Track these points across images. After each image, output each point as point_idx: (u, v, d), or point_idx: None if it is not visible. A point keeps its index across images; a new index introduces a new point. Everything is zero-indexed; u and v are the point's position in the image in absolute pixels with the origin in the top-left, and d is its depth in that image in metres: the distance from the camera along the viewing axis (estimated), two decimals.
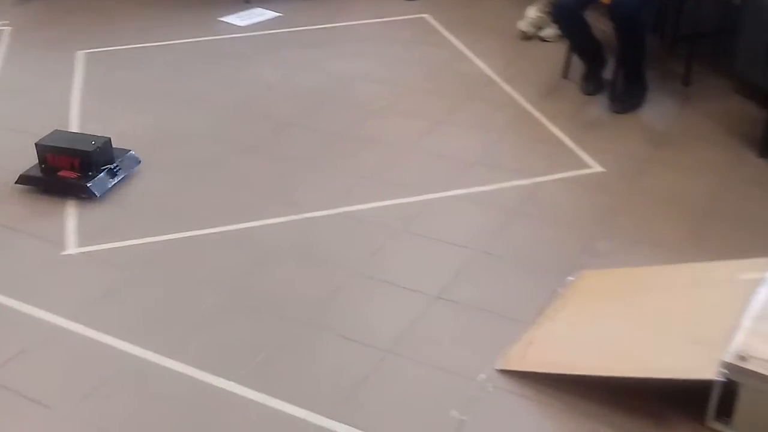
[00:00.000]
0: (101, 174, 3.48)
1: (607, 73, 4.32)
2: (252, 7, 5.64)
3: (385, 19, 5.45)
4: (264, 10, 5.62)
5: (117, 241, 3.19)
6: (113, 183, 3.52)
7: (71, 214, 3.37)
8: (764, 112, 3.76)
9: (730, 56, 3.99)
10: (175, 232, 3.25)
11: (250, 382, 2.49)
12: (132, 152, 3.67)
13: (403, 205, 3.40)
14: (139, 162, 3.67)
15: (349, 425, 2.34)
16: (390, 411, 2.40)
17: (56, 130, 3.68)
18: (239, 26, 5.39)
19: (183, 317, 2.79)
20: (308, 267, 3.04)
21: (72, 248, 3.16)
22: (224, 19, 5.49)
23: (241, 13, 5.55)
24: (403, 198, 3.44)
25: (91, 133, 3.65)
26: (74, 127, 4.05)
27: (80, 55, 4.93)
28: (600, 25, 4.34)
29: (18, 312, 2.82)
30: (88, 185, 3.42)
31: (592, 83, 4.35)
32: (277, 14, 5.54)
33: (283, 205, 3.42)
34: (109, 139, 3.59)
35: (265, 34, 5.28)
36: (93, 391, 2.47)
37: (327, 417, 2.37)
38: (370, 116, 4.18)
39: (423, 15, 5.48)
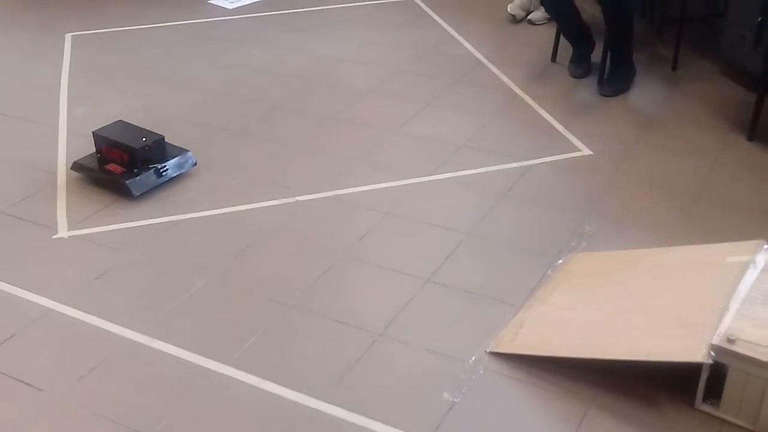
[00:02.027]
0: (146, 173, 3.36)
1: (596, 56, 4.33)
2: None
3: (373, 2, 5.43)
4: None
5: (107, 225, 3.19)
6: (157, 184, 3.39)
7: (62, 198, 3.36)
8: (752, 96, 3.78)
9: (718, 39, 4.01)
10: (165, 216, 3.25)
11: (242, 365, 2.51)
12: (189, 153, 3.51)
13: (392, 188, 3.41)
14: (195, 164, 3.52)
15: (342, 407, 2.36)
16: (382, 393, 2.42)
17: (119, 120, 3.60)
18: (227, 9, 5.36)
19: (174, 300, 2.79)
20: (298, 250, 3.05)
21: (63, 232, 3.15)
22: (213, 1, 5.46)
23: None
24: (392, 181, 3.45)
25: (147, 129, 3.53)
26: (63, 110, 4.04)
27: (68, 38, 4.90)
28: (588, 8, 4.34)
29: (9, 295, 2.82)
30: (127, 182, 3.31)
31: (580, 66, 4.36)
32: None
33: (272, 187, 3.42)
34: (162, 137, 3.47)
35: (253, 17, 5.26)
36: (86, 373, 2.48)
37: (320, 399, 2.38)
38: (359, 99, 4.18)
39: None
